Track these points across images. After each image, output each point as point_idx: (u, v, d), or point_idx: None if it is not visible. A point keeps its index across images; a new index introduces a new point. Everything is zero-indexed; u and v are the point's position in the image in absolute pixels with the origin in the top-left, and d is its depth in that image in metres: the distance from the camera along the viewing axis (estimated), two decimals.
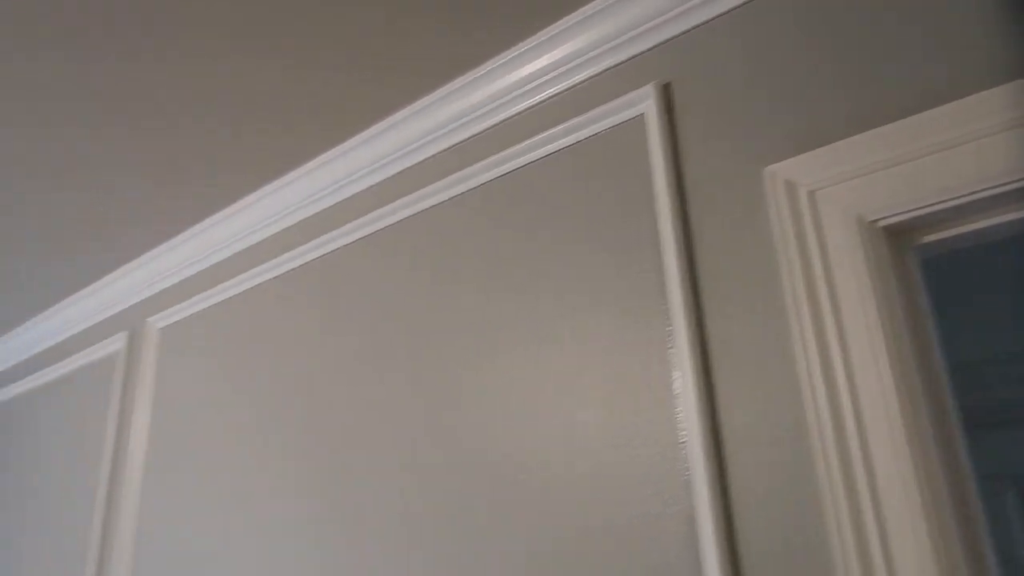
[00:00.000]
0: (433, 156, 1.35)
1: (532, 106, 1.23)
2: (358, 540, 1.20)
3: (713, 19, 1.05)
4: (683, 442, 0.92)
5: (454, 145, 1.32)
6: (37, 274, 1.89)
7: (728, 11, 1.04)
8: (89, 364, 1.99)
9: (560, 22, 1.16)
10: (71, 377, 2.04)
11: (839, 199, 0.87)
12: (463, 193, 1.28)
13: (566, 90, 1.19)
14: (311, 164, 1.48)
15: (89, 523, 1.76)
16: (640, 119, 1.09)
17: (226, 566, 1.40)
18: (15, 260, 1.82)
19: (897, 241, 0.87)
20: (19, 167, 1.46)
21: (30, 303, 2.05)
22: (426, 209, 1.33)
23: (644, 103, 1.08)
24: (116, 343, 1.91)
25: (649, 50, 1.11)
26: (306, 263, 1.51)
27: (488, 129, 1.28)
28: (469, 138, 1.30)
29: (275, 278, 1.57)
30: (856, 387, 0.80)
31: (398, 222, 1.36)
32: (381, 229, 1.39)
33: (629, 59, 1.13)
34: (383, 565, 1.16)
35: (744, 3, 1.03)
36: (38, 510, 1.94)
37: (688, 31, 1.08)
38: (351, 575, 1.19)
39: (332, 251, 1.47)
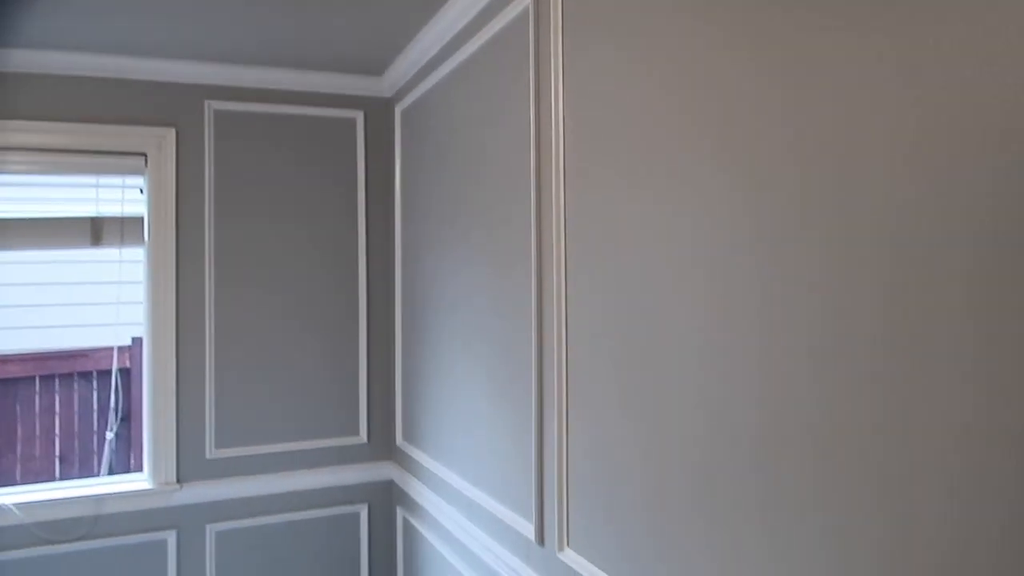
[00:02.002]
0: None
1: None
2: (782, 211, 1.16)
3: None
4: None
5: None
6: None
7: None
8: (497, 35, 2.12)
9: None
10: (481, 54, 2.21)
11: None
12: None
13: None
14: None
15: (527, 200, 1.98)
16: None
17: (647, 242, 1.49)
18: None
19: None
20: None
21: None
22: None
23: None
24: (518, 6, 1.99)
25: None
26: None
27: None
28: None
29: None
30: None
31: None
32: None
33: None
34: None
35: None
36: (477, 191, 2.26)
37: None
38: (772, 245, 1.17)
39: None
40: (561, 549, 1.78)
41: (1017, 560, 0.82)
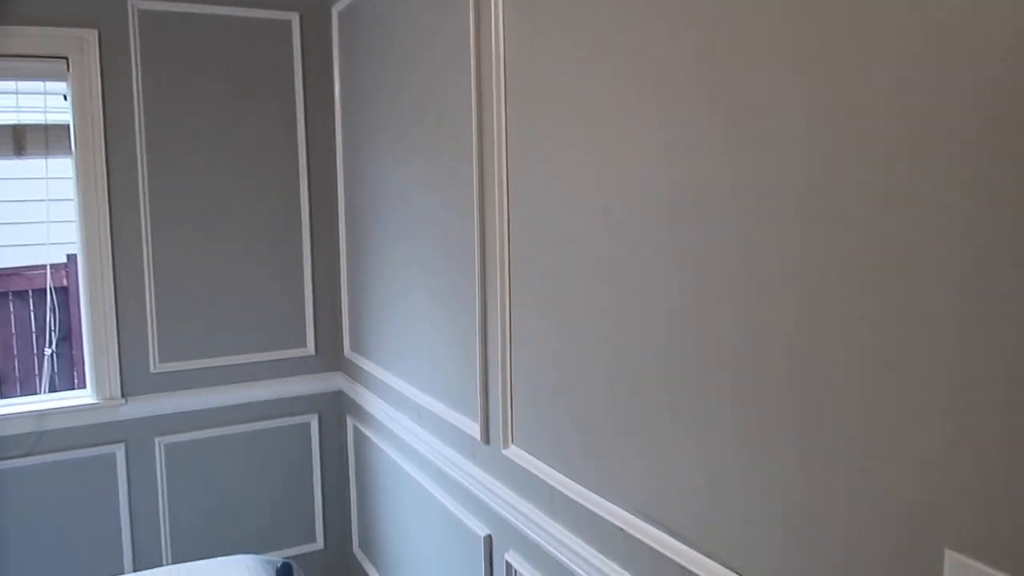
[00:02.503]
0: None
1: None
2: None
3: None
4: None
5: None
6: None
7: None
8: None
9: None
10: None
11: None
12: None
13: None
14: None
15: (468, 107, 1.92)
16: None
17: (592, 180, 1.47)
18: None
19: None
20: None
21: None
22: None
23: None
24: None
25: None
26: None
27: None
28: None
29: None
30: None
31: None
32: None
33: None
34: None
35: None
36: (419, 95, 2.20)
37: None
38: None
39: None
40: (506, 446, 1.84)
41: (923, 443, 0.88)
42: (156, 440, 2.90)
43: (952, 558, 0.83)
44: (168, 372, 2.90)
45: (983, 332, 0.79)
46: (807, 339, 1.01)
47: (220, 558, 2.21)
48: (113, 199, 2.76)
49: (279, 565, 2.20)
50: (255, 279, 3.01)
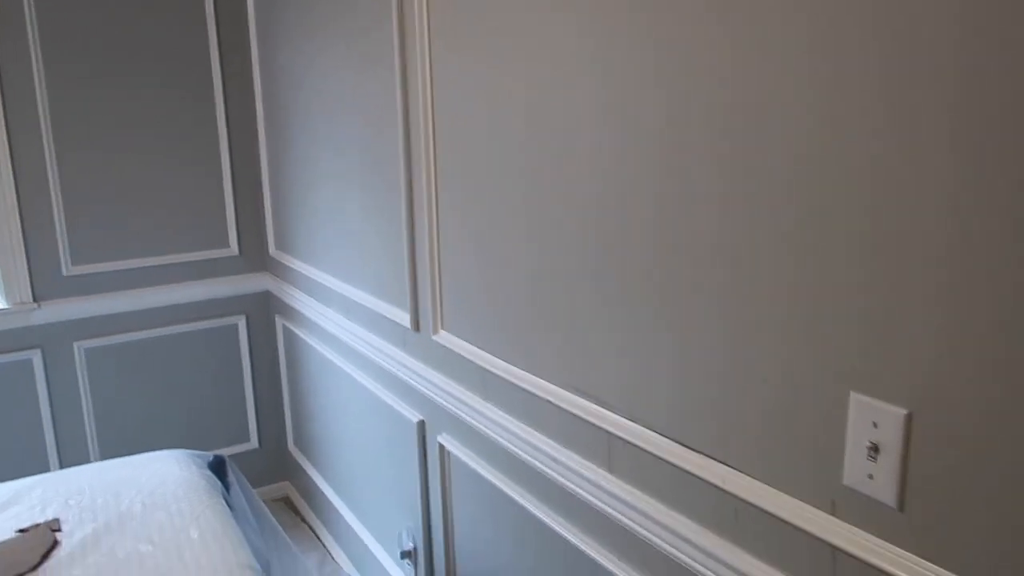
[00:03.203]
0: None
1: None
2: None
3: None
4: None
5: None
6: None
7: None
8: None
9: None
10: None
11: None
12: None
13: None
14: None
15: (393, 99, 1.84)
16: None
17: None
18: None
19: None
20: None
21: None
22: None
23: None
24: None
25: None
26: None
27: None
28: None
29: None
30: None
31: None
32: None
33: None
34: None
35: None
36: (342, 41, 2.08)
37: None
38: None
39: None
40: (436, 332, 1.85)
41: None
42: (75, 345, 2.81)
43: (855, 398, 0.89)
44: (82, 275, 2.78)
45: (889, 187, 0.82)
46: (729, 212, 1.03)
47: (150, 453, 2.19)
48: (6, 88, 2.56)
49: (211, 459, 2.20)
50: (170, 177, 2.87)
